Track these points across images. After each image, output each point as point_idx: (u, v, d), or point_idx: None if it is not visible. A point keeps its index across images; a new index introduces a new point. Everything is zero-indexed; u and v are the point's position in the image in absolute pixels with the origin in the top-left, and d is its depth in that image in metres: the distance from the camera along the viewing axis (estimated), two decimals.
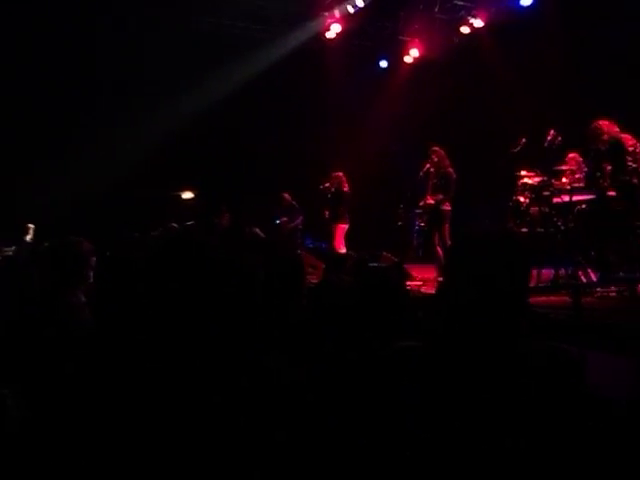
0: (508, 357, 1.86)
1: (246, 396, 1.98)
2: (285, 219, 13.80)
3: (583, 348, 3.55)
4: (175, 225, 10.31)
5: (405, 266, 9.98)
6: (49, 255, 4.16)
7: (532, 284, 6.84)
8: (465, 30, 13.97)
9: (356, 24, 14.79)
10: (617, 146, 7.62)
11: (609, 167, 7.71)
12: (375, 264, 5.38)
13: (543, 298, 7.06)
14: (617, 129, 7.75)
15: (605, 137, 7.69)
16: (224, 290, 2.20)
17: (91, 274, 3.97)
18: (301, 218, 13.81)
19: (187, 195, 15.25)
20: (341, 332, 2.55)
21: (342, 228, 12.18)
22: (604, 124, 7.75)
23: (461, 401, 1.81)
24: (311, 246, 14.33)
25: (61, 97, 12.86)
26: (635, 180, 7.51)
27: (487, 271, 1.91)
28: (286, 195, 13.89)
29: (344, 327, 2.54)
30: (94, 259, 4.04)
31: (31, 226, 11.17)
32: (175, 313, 2.29)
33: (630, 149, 7.56)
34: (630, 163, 7.53)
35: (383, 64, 15.93)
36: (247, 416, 1.98)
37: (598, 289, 7.57)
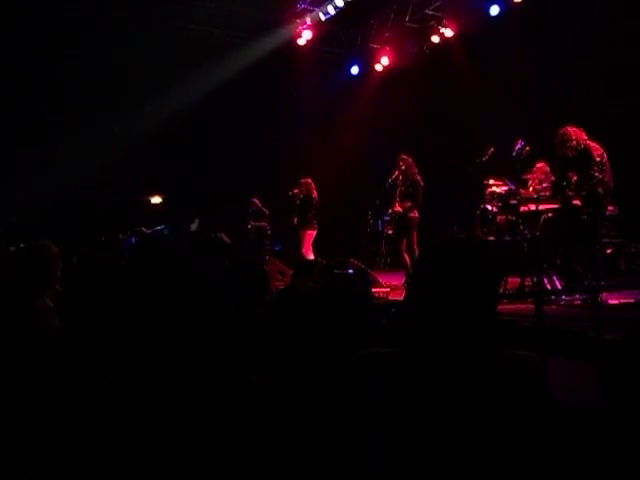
0: (477, 364, 1.88)
1: (210, 403, 1.99)
2: (255, 224, 13.78)
3: (545, 355, 3.60)
4: (144, 229, 10.29)
5: (373, 273, 10.05)
6: (16, 259, 4.12)
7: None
8: (435, 39, 14.09)
9: (328, 31, 14.86)
10: (585, 153, 7.71)
11: (575, 177, 7.81)
12: (340, 271, 5.40)
13: (509, 306, 7.12)
14: (585, 136, 7.83)
15: (573, 143, 7.75)
16: (190, 296, 2.21)
17: (58, 279, 3.94)
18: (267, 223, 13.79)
19: (156, 200, 15.20)
20: (304, 338, 2.56)
21: (310, 234, 12.17)
22: (572, 130, 7.81)
23: (429, 407, 1.83)
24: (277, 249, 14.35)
25: (27, 101, 12.72)
26: (600, 190, 7.61)
27: (456, 279, 1.93)
28: (255, 200, 13.87)
29: (307, 333, 2.55)
30: (61, 264, 4.01)
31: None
32: (141, 319, 2.29)
33: (597, 159, 7.64)
34: (597, 173, 7.61)
35: (354, 70, 15.97)
36: (210, 421, 1.98)
37: (563, 297, 7.67)
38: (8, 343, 3.21)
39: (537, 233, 8.23)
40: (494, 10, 12.89)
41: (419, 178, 10.66)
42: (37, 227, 11.51)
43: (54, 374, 2.23)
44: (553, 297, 7.71)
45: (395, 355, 1.98)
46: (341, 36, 15.38)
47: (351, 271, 7.40)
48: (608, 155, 7.83)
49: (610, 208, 9.34)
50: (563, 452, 1.85)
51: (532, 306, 6.55)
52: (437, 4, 13.72)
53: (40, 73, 12.76)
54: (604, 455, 1.83)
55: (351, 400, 2.00)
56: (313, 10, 13.90)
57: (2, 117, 12.38)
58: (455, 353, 1.89)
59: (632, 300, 7.09)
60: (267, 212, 13.77)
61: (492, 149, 9.20)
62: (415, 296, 2.07)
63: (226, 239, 5.97)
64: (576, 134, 7.79)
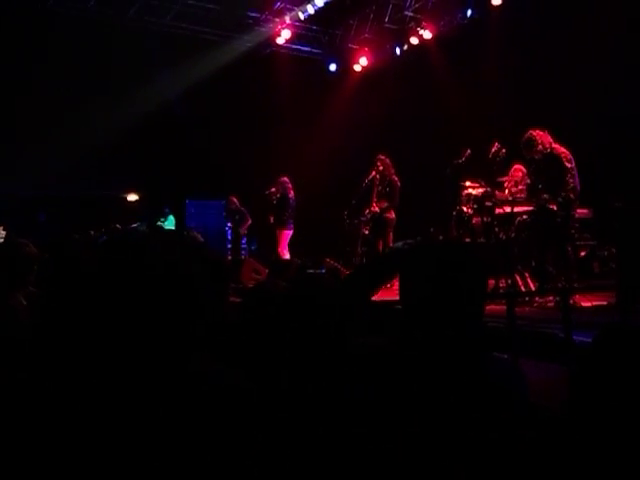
0: (459, 366, 1.89)
1: (177, 401, 1.98)
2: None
3: (515, 355, 3.63)
4: (118, 227, 10.21)
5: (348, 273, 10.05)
6: None
7: None
8: (414, 41, 14.11)
9: (307, 31, 14.87)
10: (553, 158, 7.79)
11: (544, 178, 7.89)
12: (312, 271, 5.39)
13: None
14: (550, 139, 7.90)
15: (539, 147, 7.82)
16: (162, 294, 2.21)
17: (33, 278, 3.90)
18: (249, 222, 13.77)
19: (131, 197, 15.12)
20: (271, 337, 2.56)
21: (286, 234, 12.17)
22: (538, 134, 7.88)
23: (409, 409, 1.84)
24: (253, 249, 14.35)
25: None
26: (572, 195, 7.70)
27: (441, 281, 1.94)
28: (234, 199, 13.84)
29: (274, 332, 2.55)
30: (36, 263, 3.97)
31: None
32: (114, 316, 2.27)
33: (568, 165, 7.72)
34: (570, 180, 7.69)
35: (332, 67, 15.88)
36: (176, 422, 1.97)
37: (537, 299, 7.74)
38: None
39: (512, 235, 8.30)
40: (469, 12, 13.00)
41: (396, 179, 10.71)
42: (11, 223, 11.48)
43: (19, 370, 2.21)
44: (527, 298, 7.77)
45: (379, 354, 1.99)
46: (320, 36, 15.37)
47: (324, 270, 7.40)
48: (580, 158, 7.92)
49: (584, 211, 9.44)
50: (539, 454, 1.86)
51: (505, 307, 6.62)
52: (416, 6, 13.76)
53: (9, 69, 12.61)
54: (570, 457, 1.84)
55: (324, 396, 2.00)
56: (292, 9, 13.88)
57: None
58: (436, 354, 1.90)
59: (604, 302, 7.16)
60: (245, 211, 13.75)
61: (469, 151, 9.24)
62: (403, 296, 2.08)
63: (200, 238, 5.96)
64: (541, 138, 7.86)
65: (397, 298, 2.03)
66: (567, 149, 7.88)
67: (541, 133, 7.90)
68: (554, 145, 7.85)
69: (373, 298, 2.63)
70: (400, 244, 2.58)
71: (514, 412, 1.84)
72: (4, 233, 10.88)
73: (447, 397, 1.82)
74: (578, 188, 7.80)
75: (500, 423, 1.80)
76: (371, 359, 2.00)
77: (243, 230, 13.81)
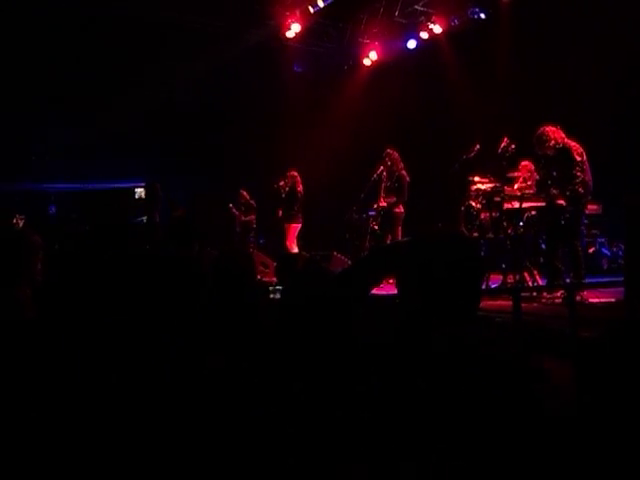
0: (458, 357, 1.89)
1: (188, 395, 1.98)
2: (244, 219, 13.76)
3: (521, 350, 3.61)
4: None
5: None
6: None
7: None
8: (424, 35, 14.06)
9: (316, 25, 14.81)
10: (565, 152, 7.76)
11: (555, 173, 7.86)
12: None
13: (490, 302, 7.15)
14: (563, 134, 7.87)
15: (552, 143, 7.80)
16: (169, 286, 2.21)
17: (39, 268, 3.91)
18: (254, 216, 13.76)
19: (141, 191, 15.13)
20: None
21: (295, 227, 12.16)
22: (550, 130, 7.85)
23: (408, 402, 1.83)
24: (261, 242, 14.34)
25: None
26: (581, 189, 7.66)
27: (441, 274, 1.94)
28: (244, 192, 13.84)
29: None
30: (42, 253, 3.98)
31: None
32: (121, 309, 2.28)
33: (578, 158, 7.69)
34: (579, 173, 7.66)
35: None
36: (189, 415, 1.97)
37: (545, 295, 7.71)
38: None
39: (520, 230, 8.28)
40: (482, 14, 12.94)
41: (405, 173, 10.68)
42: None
43: (25, 359, 2.22)
44: (535, 294, 7.76)
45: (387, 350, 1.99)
46: (330, 30, 15.32)
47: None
48: (591, 154, 7.88)
49: (594, 207, 9.41)
50: (544, 450, 1.85)
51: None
52: (426, 0, 13.71)
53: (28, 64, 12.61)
54: (578, 455, 1.83)
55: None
56: (302, 3, 13.84)
57: None
58: (432, 350, 1.89)
59: (613, 299, 7.14)
60: (254, 204, 13.74)
61: (478, 146, 9.23)
62: (401, 289, 2.08)
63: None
64: (554, 133, 7.83)
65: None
66: (579, 144, 7.85)
67: (553, 129, 7.88)
68: (566, 140, 7.82)
69: (373, 292, 2.62)
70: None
71: (515, 408, 1.84)
72: (22, 223, 11.06)
73: (446, 393, 1.82)
74: (590, 183, 7.76)
75: (502, 419, 1.80)
76: (372, 354, 2.00)
77: (251, 223, 13.79)
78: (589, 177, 7.74)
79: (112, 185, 14.57)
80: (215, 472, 1.93)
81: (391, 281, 9.93)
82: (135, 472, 1.92)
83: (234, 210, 13.82)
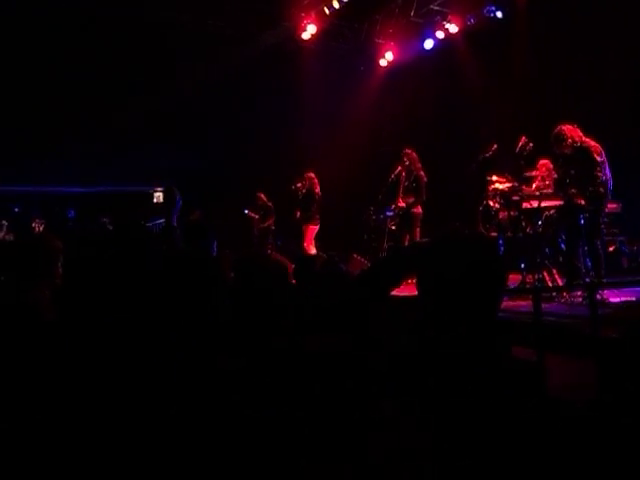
0: (477, 362, 1.88)
1: (196, 395, 1.98)
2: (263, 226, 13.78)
3: (542, 350, 3.59)
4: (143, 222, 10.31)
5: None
6: (19, 249, 4.11)
7: None
8: (440, 35, 14.04)
9: (332, 26, 14.81)
10: (582, 151, 7.70)
11: (573, 172, 7.80)
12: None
13: (509, 302, 7.13)
14: (580, 133, 7.81)
15: (569, 142, 7.74)
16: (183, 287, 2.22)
17: (59, 271, 3.94)
18: (273, 219, 13.79)
19: (158, 194, 15.23)
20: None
21: (312, 229, 12.17)
22: (567, 129, 7.80)
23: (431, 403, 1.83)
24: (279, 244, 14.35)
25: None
26: (602, 189, 7.61)
27: (464, 274, 1.93)
28: (262, 195, 13.87)
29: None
30: (61, 257, 4.01)
31: (5, 223, 11.30)
32: (135, 309, 2.29)
33: (598, 158, 7.63)
34: (600, 174, 7.60)
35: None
36: (194, 416, 1.98)
37: (565, 295, 7.66)
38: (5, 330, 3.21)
39: (539, 230, 8.23)
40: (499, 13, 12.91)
41: (423, 173, 10.65)
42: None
43: (46, 359, 2.23)
44: (554, 294, 7.70)
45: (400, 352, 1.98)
46: (345, 31, 15.31)
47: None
48: (610, 152, 7.82)
49: (613, 206, 9.33)
50: (561, 451, 1.84)
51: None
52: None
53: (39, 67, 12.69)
54: (600, 454, 1.82)
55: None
56: (318, 4, 13.85)
57: None
58: (456, 348, 1.89)
59: (633, 298, 7.08)
60: (272, 206, 13.77)
61: (495, 145, 9.19)
62: (421, 290, 2.07)
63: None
64: (571, 132, 7.77)
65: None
66: (597, 143, 7.79)
67: (571, 127, 7.82)
68: (584, 139, 7.76)
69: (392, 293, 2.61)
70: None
71: (533, 408, 1.83)
72: (42, 227, 11.22)
73: (465, 394, 1.81)
74: (610, 182, 7.70)
75: (518, 419, 1.79)
76: (392, 355, 1.99)
77: (269, 226, 13.82)
78: (609, 176, 7.69)
79: (130, 188, 14.66)
80: (224, 472, 1.93)
81: (411, 282, 9.95)
82: (148, 470, 1.93)
83: (251, 213, 13.88)
